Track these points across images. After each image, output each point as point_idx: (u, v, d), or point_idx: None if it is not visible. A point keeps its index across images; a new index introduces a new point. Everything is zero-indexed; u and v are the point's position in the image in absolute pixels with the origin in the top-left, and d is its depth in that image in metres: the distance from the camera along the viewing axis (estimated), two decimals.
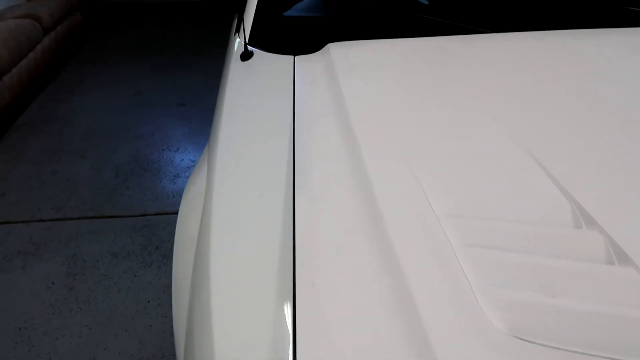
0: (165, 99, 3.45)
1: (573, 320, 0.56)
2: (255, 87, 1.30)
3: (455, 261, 0.63)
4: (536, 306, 0.58)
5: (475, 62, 1.23)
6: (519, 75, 1.15)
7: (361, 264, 0.65)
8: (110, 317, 1.83)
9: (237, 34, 1.57)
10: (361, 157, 0.94)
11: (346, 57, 1.26)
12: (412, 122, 1.02)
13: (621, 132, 0.92)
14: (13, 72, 3.25)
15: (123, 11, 5.57)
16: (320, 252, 0.68)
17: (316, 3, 1.62)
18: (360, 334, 0.56)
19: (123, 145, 2.88)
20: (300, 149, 1.01)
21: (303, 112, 1.13)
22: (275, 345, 0.56)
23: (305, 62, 1.32)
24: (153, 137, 2.95)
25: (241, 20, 1.50)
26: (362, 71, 1.22)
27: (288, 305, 0.61)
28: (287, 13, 1.55)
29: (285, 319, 0.59)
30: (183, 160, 2.73)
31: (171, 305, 0.96)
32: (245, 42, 1.40)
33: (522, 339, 0.54)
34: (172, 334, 1.74)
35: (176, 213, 2.40)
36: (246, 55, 1.41)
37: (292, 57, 1.36)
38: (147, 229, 2.23)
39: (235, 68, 1.39)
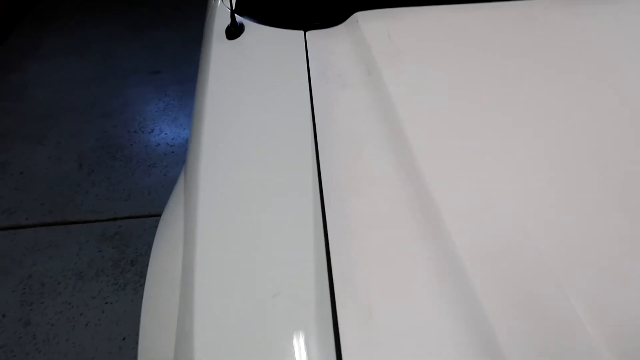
0: (138, 65, 2.95)
1: None
2: (251, 82, 0.88)
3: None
4: None
5: (567, 36, 0.82)
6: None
7: None
8: None
9: None
10: (434, 210, 0.57)
11: (387, 35, 0.83)
12: (501, 148, 0.65)
13: None
14: None
15: None
16: None
17: None
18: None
19: (87, 126, 2.42)
20: (333, 203, 0.61)
21: (330, 133, 0.72)
22: None
23: (323, 41, 0.88)
24: (123, 115, 2.49)
25: None
26: (418, 62, 0.79)
27: None
28: None
29: None
30: (159, 144, 2.29)
31: None
32: (231, 8, 0.96)
33: None
34: None
35: (154, 216, 2.01)
36: (234, 31, 0.97)
37: (303, 32, 0.93)
38: (119, 238, 1.84)
39: (218, 50, 0.95)
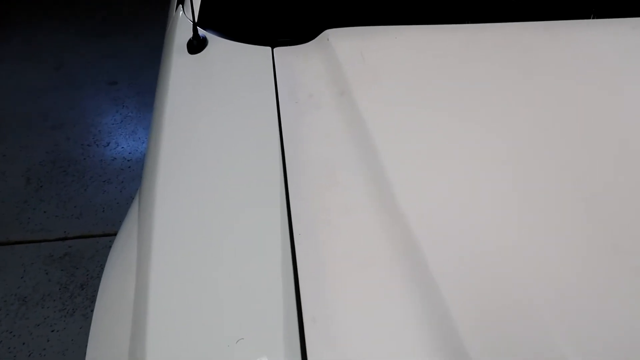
0: (93, 75, 2.82)
1: None
2: (214, 101, 0.82)
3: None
4: None
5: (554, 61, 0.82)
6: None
7: None
8: None
9: (180, 5, 1.05)
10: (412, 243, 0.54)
11: (360, 56, 0.79)
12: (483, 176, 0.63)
13: None
14: None
15: None
16: None
17: None
18: None
19: (37, 138, 2.28)
20: (304, 238, 0.57)
21: (300, 158, 0.67)
22: None
23: (293, 59, 0.84)
24: (76, 128, 2.36)
25: None
26: (392, 83, 0.76)
27: None
28: None
29: None
30: (115, 159, 2.17)
31: None
32: (193, 21, 0.90)
33: None
34: None
35: (108, 235, 1.89)
36: (196, 45, 0.91)
37: (270, 49, 0.88)
38: (68, 259, 1.72)
39: (178, 64, 0.89)
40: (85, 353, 1.20)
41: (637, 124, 0.74)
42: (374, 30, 0.84)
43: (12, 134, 2.31)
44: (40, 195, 1.97)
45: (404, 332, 0.51)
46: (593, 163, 0.68)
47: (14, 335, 1.49)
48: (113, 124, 2.40)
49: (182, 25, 0.95)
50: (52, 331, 1.50)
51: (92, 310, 1.56)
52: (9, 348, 1.45)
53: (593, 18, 0.89)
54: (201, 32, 0.90)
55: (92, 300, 1.60)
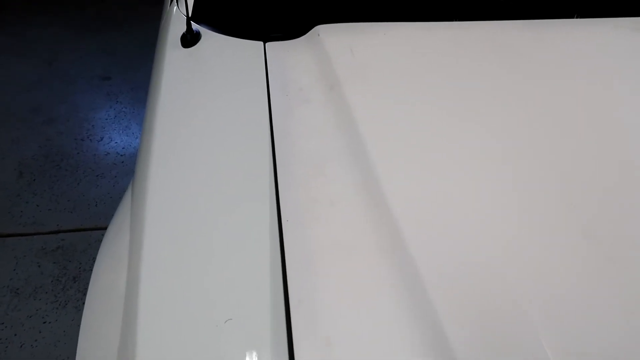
0: (86, 70, 2.82)
1: None
2: (206, 93, 0.84)
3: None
4: None
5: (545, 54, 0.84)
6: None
7: None
8: None
9: (174, 0, 1.07)
10: (400, 254, 0.55)
11: (350, 51, 0.81)
12: (466, 170, 0.65)
13: None
14: None
15: None
16: None
17: None
18: None
19: (30, 132, 2.28)
20: (291, 231, 0.59)
21: (290, 150, 0.69)
22: None
23: (284, 54, 0.86)
24: (69, 122, 2.37)
25: None
26: (380, 78, 0.78)
27: None
28: None
29: None
30: (108, 153, 2.18)
31: None
32: (187, 16, 0.92)
33: None
34: None
35: (100, 229, 1.90)
36: (190, 39, 0.93)
37: (262, 43, 0.90)
38: (61, 252, 1.72)
39: (172, 58, 0.91)
40: (77, 344, 1.23)
41: (621, 118, 0.77)
42: (363, 27, 0.86)
43: (3, 128, 2.30)
44: (33, 189, 1.97)
45: (386, 314, 0.53)
46: (578, 160, 0.70)
47: (6, 327, 1.49)
48: (107, 119, 2.40)
49: (176, 19, 0.97)
50: (44, 323, 1.51)
51: (84, 303, 1.57)
52: (1, 339, 1.46)
53: (576, 18, 0.92)
54: (195, 26, 0.92)
55: (84, 292, 1.61)
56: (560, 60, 0.86)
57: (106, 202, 1.93)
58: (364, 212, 0.62)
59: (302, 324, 0.51)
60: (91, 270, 1.64)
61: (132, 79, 2.75)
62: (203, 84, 0.85)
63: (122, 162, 2.14)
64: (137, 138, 2.29)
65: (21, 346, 1.45)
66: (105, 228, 1.82)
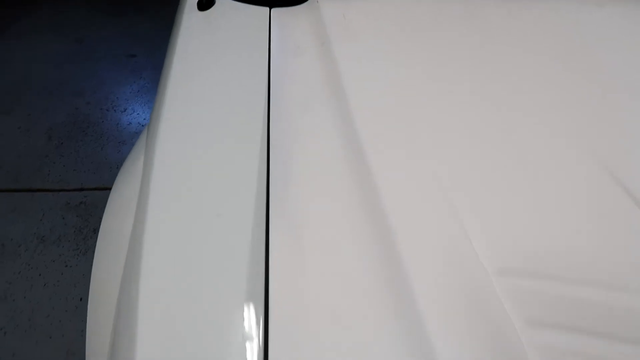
0: (113, 48, 2.99)
1: None
2: (216, 50, 0.97)
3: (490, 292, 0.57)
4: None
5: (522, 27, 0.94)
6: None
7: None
8: (31, 318, 1.50)
9: None
10: (366, 166, 0.65)
11: (342, 15, 0.94)
12: (434, 115, 0.75)
13: None
14: None
15: None
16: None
17: None
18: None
19: (60, 103, 2.45)
20: (277, 150, 0.71)
21: (282, 93, 0.82)
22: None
23: (286, 18, 0.98)
24: (96, 94, 2.53)
25: None
26: (366, 38, 0.90)
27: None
28: None
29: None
30: (130, 123, 2.34)
31: None
32: None
33: None
34: None
35: None
36: (205, 3, 1.06)
37: (268, 9, 1.02)
38: (84, 207, 1.88)
39: (189, 20, 1.04)
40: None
41: (596, 93, 0.82)
42: None
43: (36, 98, 2.48)
44: (61, 151, 2.14)
45: (362, 284, 0.58)
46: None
47: (32, 268, 1.65)
48: (130, 93, 2.56)
49: None
50: (66, 266, 1.67)
51: None
52: (27, 278, 1.62)
53: None
54: None
55: None
56: (545, 32, 0.93)
57: None
58: (339, 147, 0.73)
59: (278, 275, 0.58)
60: None
61: (155, 57, 2.91)
62: (213, 44, 0.98)
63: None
64: None
65: (44, 285, 1.61)
66: None
